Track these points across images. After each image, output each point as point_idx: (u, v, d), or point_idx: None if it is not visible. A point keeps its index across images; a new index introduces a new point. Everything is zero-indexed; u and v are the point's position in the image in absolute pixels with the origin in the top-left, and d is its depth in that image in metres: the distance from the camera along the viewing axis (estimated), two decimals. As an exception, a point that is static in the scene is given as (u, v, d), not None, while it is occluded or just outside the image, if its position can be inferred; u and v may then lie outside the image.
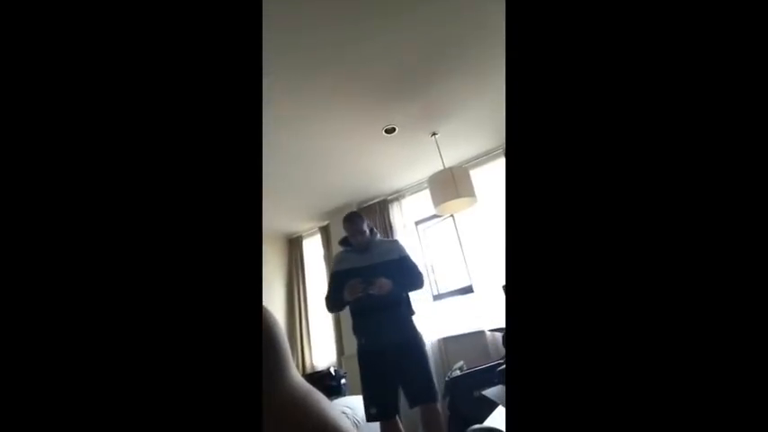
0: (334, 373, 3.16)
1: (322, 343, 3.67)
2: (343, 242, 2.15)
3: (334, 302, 2.03)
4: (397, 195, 3.47)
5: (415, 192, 3.42)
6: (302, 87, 2.03)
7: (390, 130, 2.56)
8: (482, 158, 3.13)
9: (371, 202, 3.58)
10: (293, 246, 4.13)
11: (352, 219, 2.06)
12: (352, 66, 1.93)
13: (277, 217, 3.58)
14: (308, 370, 3.56)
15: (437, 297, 3.19)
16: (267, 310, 0.42)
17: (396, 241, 2.22)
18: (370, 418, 1.81)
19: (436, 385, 1.83)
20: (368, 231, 2.08)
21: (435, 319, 3.00)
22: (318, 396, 0.36)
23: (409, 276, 2.00)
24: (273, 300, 3.60)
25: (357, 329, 1.99)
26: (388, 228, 3.43)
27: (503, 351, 2.50)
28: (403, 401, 1.84)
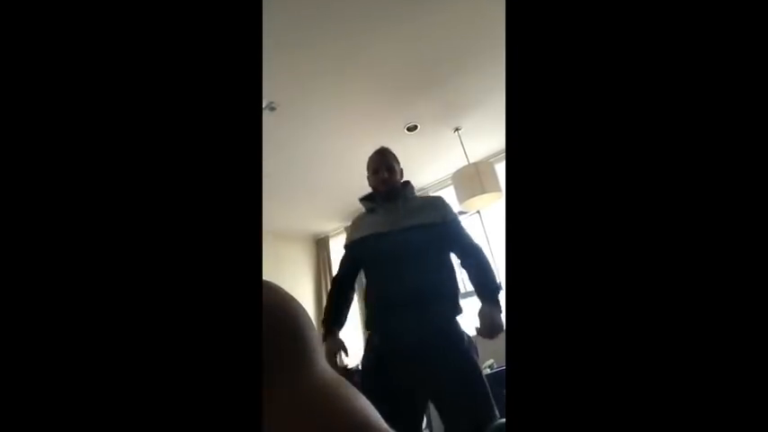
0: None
1: (350, 341, 3.70)
2: (365, 199, 1.48)
3: (337, 302, 1.39)
4: (422, 193, 3.45)
5: (440, 188, 3.39)
6: (323, 88, 2.05)
7: (412, 128, 2.54)
8: (507, 152, 3.06)
9: (396, 201, 3.57)
10: (320, 246, 4.18)
11: (381, 151, 1.44)
12: (372, 65, 1.93)
13: (303, 218, 3.64)
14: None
15: (464, 295, 3.14)
16: (294, 299, 0.42)
17: (439, 198, 1.43)
18: None
19: (497, 413, 1.11)
20: (399, 175, 1.43)
21: (464, 316, 2.95)
22: (352, 388, 0.35)
23: (464, 253, 1.33)
24: (301, 300, 3.64)
25: (372, 325, 1.33)
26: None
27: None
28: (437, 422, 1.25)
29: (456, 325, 1.29)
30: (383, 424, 0.31)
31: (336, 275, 1.46)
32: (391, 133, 2.54)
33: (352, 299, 1.45)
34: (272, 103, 2.12)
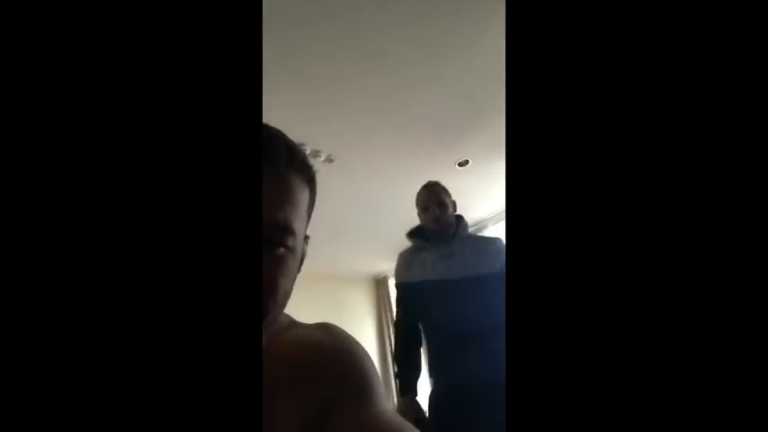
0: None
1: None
2: (415, 233, 1.40)
3: (405, 344, 1.30)
4: (479, 226, 3.36)
5: (498, 221, 3.29)
6: (376, 135, 2.16)
7: (463, 163, 2.54)
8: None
9: (452, 237, 3.51)
10: (380, 286, 4.19)
11: (431, 186, 1.35)
12: (421, 105, 2.00)
13: (360, 259, 3.70)
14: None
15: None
16: (355, 341, 0.42)
17: (497, 240, 1.36)
18: None
19: None
20: (452, 209, 1.34)
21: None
22: (414, 428, 0.34)
23: None
24: (364, 342, 3.62)
25: (435, 367, 1.28)
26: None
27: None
28: None
29: None
30: None
31: (396, 318, 1.39)
32: (442, 169, 2.55)
33: (420, 341, 1.37)
34: (330, 155, 2.26)
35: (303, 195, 0.37)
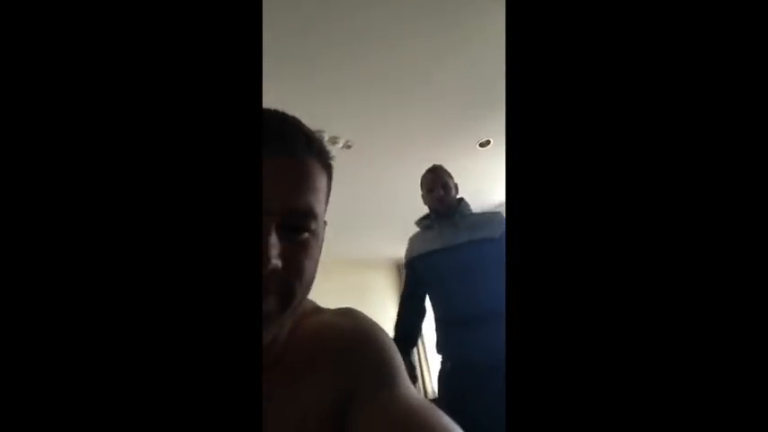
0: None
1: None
2: (422, 219, 1.50)
3: (406, 321, 1.35)
4: (502, 209, 3.30)
5: (521, 202, 3.22)
6: (395, 118, 2.12)
7: (485, 144, 2.48)
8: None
9: (474, 219, 3.47)
10: (401, 270, 4.20)
11: (434, 170, 1.45)
12: (440, 86, 1.95)
13: (381, 244, 3.71)
14: (429, 396, 3.51)
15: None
16: (378, 325, 0.42)
17: (494, 215, 1.43)
18: None
19: None
20: (455, 191, 1.44)
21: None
22: (438, 411, 0.34)
23: None
24: (385, 326, 3.66)
25: (444, 346, 1.31)
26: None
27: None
28: None
29: None
30: None
31: (403, 294, 1.44)
32: (463, 150, 2.51)
33: (424, 314, 1.42)
34: (348, 141, 2.25)
35: (322, 181, 0.37)
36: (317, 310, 0.44)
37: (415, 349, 1.36)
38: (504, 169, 2.78)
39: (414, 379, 1.31)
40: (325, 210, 0.40)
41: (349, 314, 0.43)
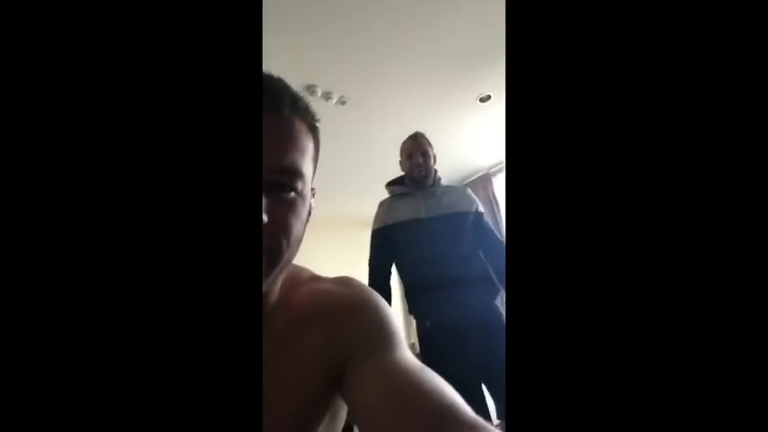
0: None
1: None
2: (394, 183, 1.50)
3: (384, 289, 1.31)
4: (501, 167, 3.25)
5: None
6: (391, 72, 2.02)
7: (485, 99, 2.39)
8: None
9: (473, 178, 3.44)
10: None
11: (415, 137, 1.45)
12: (438, 39, 1.83)
13: (378, 199, 3.67)
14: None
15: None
16: (375, 294, 0.42)
17: (466, 189, 1.50)
18: None
19: None
20: (433, 160, 1.44)
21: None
22: (434, 374, 0.35)
23: (489, 244, 1.35)
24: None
25: (418, 309, 1.34)
26: (494, 205, 3.25)
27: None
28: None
29: (495, 307, 1.31)
30: (466, 406, 0.30)
31: (373, 263, 1.41)
32: (462, 106, 2.41)
33: (390, 284, 1.42)
34: (342, 97, 2.15)
35: (308, 142, 0.36)
36: (315, 278, 0.44)
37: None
38: (504, 125, 2.70)
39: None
40: (314, 175, 0.39)
41: (345, 283, 0.43)
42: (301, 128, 0.35)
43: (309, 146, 0.37)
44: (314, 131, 0.38)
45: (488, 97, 2.38)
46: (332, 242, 3.69)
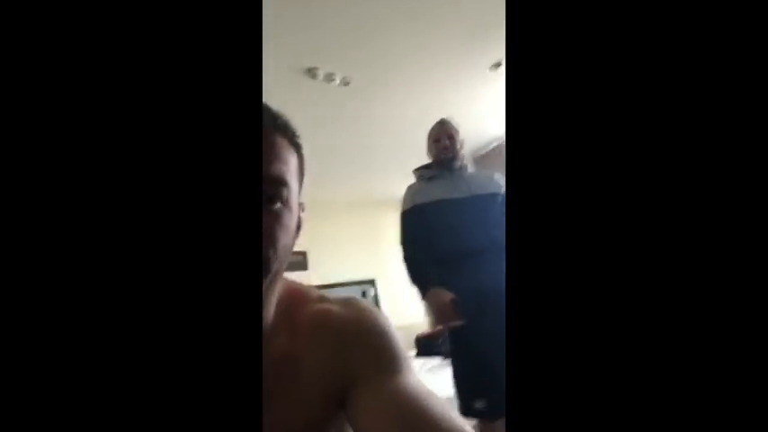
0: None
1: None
2: (422, 168, 1.51)
3: (420, 266, 1.33)
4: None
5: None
6: (399, 41, 1.92)
7: (498, 65, 2.26)
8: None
9: (488, 149, 3.33)
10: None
11: (442, 122, 1.46)
12: (443, 5, 1.72)
13: (387, 180, 3.61)
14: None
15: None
16: (382, 316, 0.42)
17: (493, 174, 1.49)
18: (472, 412, 1.19)
19: None
20: (460, 146, 1.46)
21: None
22: (441, 399, 0.35)
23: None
24: (393, 262, 3.74)
25: (446, 279, 1.29)
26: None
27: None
28: None
29: None
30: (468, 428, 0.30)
31: (405, 241, 1.40)
32: (473, 74, 2.30)
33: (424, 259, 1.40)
34: (345, 77, 2.07)
35: (291, 157, 0.37)
36: (321, 298, 0.44)
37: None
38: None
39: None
40: (300, 191, 0.40)
41: (352, 304, 0.43)
42: (282, 142, 0.36)
43: (293, 160, 0.37)
44: (296, 148, 0.38)
45: (500, 64, 2.25)
46: (339, 223, 3.72)
